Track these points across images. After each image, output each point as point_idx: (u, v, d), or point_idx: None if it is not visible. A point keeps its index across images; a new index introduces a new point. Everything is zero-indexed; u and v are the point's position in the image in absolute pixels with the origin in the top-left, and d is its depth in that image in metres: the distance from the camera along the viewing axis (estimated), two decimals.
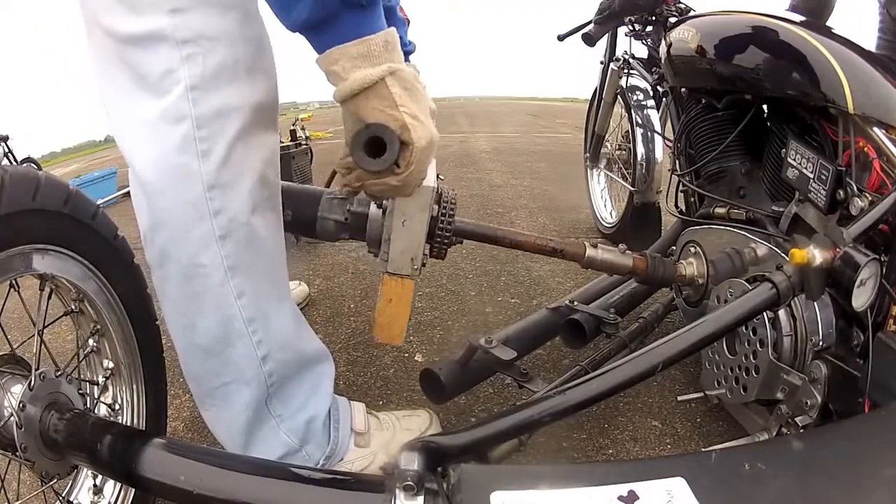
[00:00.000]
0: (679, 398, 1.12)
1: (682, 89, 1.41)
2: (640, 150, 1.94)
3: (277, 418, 0.86)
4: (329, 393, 0.93)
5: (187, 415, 1.23)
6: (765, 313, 0.86)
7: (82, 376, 0.81)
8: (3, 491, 0.70)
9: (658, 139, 1.90)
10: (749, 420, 1.01)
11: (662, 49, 1.42)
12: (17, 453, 0.65)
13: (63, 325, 0.91)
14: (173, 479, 0.57)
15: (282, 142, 2.41)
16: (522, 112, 14.04)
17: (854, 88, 0.90)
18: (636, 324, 1.23)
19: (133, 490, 0.82)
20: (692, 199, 1.41)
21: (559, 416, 0.58)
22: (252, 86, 0.73)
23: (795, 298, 0.78)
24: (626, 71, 2.02)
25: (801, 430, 0.83)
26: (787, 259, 0.69)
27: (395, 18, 1.24)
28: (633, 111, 1.99)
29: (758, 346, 0.89)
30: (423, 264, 1.01)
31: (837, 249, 0.66)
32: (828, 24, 1.40)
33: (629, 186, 2.01)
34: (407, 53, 1.32)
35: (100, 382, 0.83)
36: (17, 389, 0.66)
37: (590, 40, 1.84)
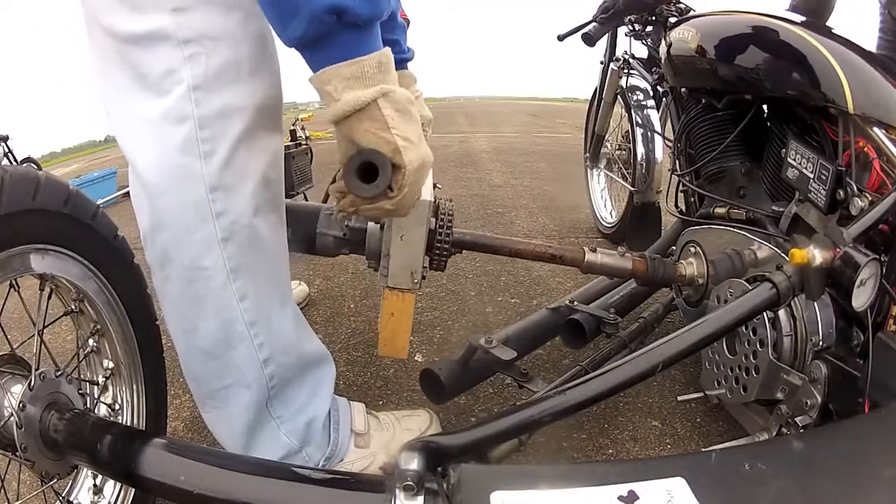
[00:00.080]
0: (679, 398, 1.12)
1: (682, 89, 1.41)
2: (640, 150, 1.94)
3: (277, 420, 0.86)
4: (329, 394, 0.93)
5: (187, 415, 1.23)
6: (765, 313, 0.86)
7: (82, 376, 0.81)
8: (3, 491, 0.70)
9: (658, 139, 1.90)
10: (749, 420, 1.01)
11: (662, 49, 1.42)
12: (17, 453, 0.65)
13: (63, 325, 0.91)
14: (173, 479, 0.57)
15: None
16: (522, 112, 14.05)
17: (854, 88, 0.90)
18: (636, 324, 1.23)
19: (133, 490, 0.82)
20: (692, 199, 1.41)
21: (559, 416, 0.58)
22: (255, 86, 0.73)
23: (795, 298, 0.78)
24: (626, 71, 2.02)
25: (801, 430, 0.83)
26: (787, 259, 0.69)
27: (394, 23, 1.22)
28: (633, 111, 1.99)
29: (758, 346, 0.89)
30: (424, 277, 1.02)
31: (837, 249, 0.66)
32: (828, 24, 1.40)
33: (629, 186, 2.01)
34: (405, 60, 1.29)
35: (100, 382, 0.83)
36: (17, 389, 0.66)
37: (590, 40, 1.84)
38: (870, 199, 0.86)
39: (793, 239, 1.03)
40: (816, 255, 0.67)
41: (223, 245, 0.74)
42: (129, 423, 0.85)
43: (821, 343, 0.86)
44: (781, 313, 0.88)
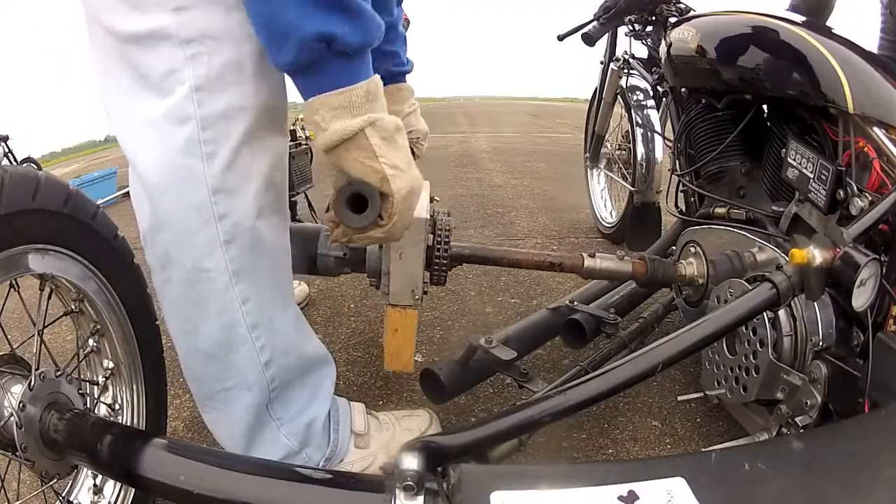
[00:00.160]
0: (679, 398, 1.12)
1: (682, 89, 1.41)
2: (640, 150, 1.94)
3: (278, 421, 0.86)
4: (329, 395, 0.93)
5: (187, 415, 1.23)
6: (765, 313, 0.86)
7: (82, 376, 0.81)
8: (3, 491, 0.70)
9: (658, 139, 1.90)
10: (749, 420, 1.01)
11: (662, 49, 1.42)
12: (17, 453, 0.65)
13: (63, 325, 0.91)
14: (173, 479, 0.57)
15: None
16: (522, 112, 14.05)
17: (854, 88, 0.90)
18: (636, 324, 1.23)
19: (133, 490, 0.82)
20: (692, 199, 1.41)
21: (559, 416, 0.58)
22: (258, 87, 0.72)
23: (795, 298, 0.78)
24: (626, 71, 2.02)
25: (801, 430, 0.83)
26: (787, 259, 0.69)
27: (394, 34, 1.20)
28: (633, 111, 1.99)
29: (758, 346, 0.89)
30: (425, 292, 1.05)
31: (837, 249, 0.66)
32: (828, 24, 1.40)
33: (629, 186, 2.01)
34: (404, 73, 1.27)
35: (100, 382, 0.83)
36: (17, 389, 0.66)
37: (589, 40, 1.84)
38: (870, 199, 0.86)
39: (793, 239, 1.03)
40: (816, 255, 0.67)
41: (225, 247, 0.74)
42: (129, 423, 0.85)
43: (821, 343, 0.86)
44: (781, 313, 0.88)
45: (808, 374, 0.83)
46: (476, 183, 3.71)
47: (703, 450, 1.01)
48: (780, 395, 0.87)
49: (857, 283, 0.65)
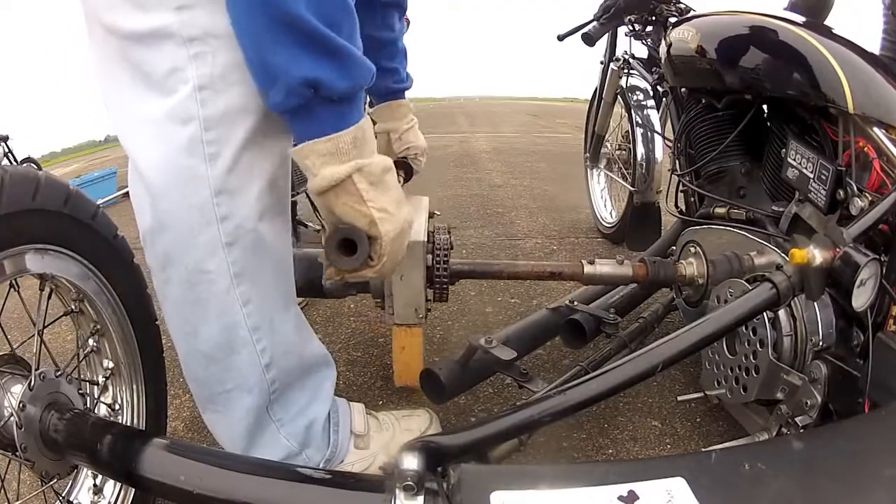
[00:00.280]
0: (679, 398, 1.12)
1: (682, 89, 1.42)
2: (640, 150, 1.94)
3: (278, 422, 0.86)
4: (329, 396, 0.93)
5: (187, 415, 1.23)
6: (765, 313, 0.86)
7: (82, 376, 0.81)
8: (3, 491, 0.70)
9: (658, 139, 1.90)
10: (749, 420, 1.01)
11: (662, 49, 1.42)
12: (17, 453, 0.65)
13: (63, 325, 0.91)
14: (173, 479, 0.57)
15: None
16: (522, 112, 14.04)
17: (854, 88, 0.90)
18: (636, 324, 1.23)
19: (133, 490, 0.82)
20: (692, 199, 1.41)
21: (559, 416, 0.58)
22: None
23: (795, 298, 0.78)
24: (626, 71, 2.02)
25: (801, 430, 0.83)
26: (787, 259, 0.69)
27: (394, 49, 1.20)
28: (633, 111, 1.99)
29: (758, 346, 0.89)
30: (429, 310, 1.08)
31: (837, 249, 0.66)
32: (827, 23, 1.40)
33: (629, 186, 2.01)
34: (403, 90, 1.27)
35: (100, 382, 0.83)
36: (17, 389, 0.66)
37: (589, 40, 1.84)
38: (870, 199, 0.86)
39: (793, 239, 1.03)
40: (816, 255, 0.67)
41: (227, 249, 0.74)
42: (129, 423, 0.85)
43: (821, 343, 0.86)
44: (781, 313, 0.88)
45: (808, 374, 0.83)
46: (476, 183, 3.71)
47: (703, 450, 1.01)
48: (780, 395, 0.87)
49: (857, 283, 0.65)
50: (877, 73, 0.93)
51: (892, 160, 0.86)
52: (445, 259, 1.09)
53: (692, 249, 1.17)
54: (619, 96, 2.11)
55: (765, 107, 1.19)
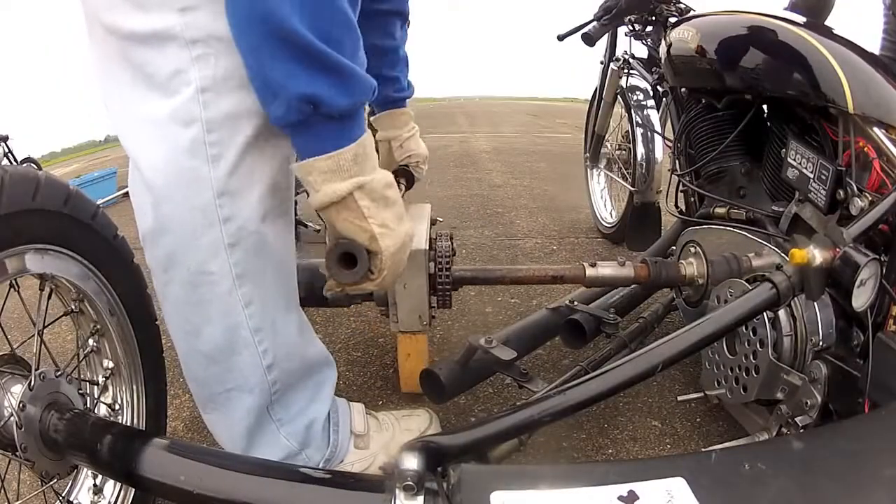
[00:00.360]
0: (679, 398, 1.12)
1: (682, 89, 1.42)
2: (640, 150, 1.94)
3: (278, 422, 0.86)
4: (330, 397, 0.93)
5: (187, 415, 1.23)
6: (765, 313, 0.86)
7: (82, 376, 0.81)
8: (3, 491, 0.70)
9: (658, 139, 1.90)
10: (749, 420, 1.01)
11: (662, 49, 1.42)
12: (17, 453, 0.65)
13: (63, 325, 0.91)
14: (173, 479, 0.57)
15: None
16: (522, 112, 14.04)
17: (854, 88, 0.90)
18: (636, 324, 1.23)
19: (133, 490, 0.82)
20: (692, 199, 1.41)
21: (559, 416, 0.58)
22: None
23: (795, 298, 0.78)
24: (626, 71, 2.02)
25: (801, 430, 0.83)
26: (787, 259, 0.69)
27: (395, 57, 1.19)
28: (633, 111, 1.99)
29: (758, 346, 0.89)
30: (433, 317, 1.08)
31: (837, 249, 0.66)
32: (828, 24, 1.40)
33: (629, 186, 2.01)
34: (404, 99, 1.27)
35: (100, 382, 0.83)
36: (17, 389, 0.66)
37: (589, 40, 1.84)
38: (870, 199, 0.86)
39: (793, 239, 1.03)
40: (816, 255, 0.67)
41: (230, 251, 0.73)
42: (129, 423, 0.85)
43: (821, 343, 0.86)
44: (781, 313, 0.88)
45: (808, 374, 0.83)
46: (476, 183, 3.71)
47: (703, 450, 1.01)
48: (780, 395, 0.87)
49: (857, 283, 0.65)
50: (877, 73, 0.93)
51: (892, 160, 0.86)
52: (448, 266, 1.10)
53: (692, 249, 1.17)
54: (619, 96, 2.11)
55: (765, 107, 1.19)
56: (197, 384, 0.83)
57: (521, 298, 1.79)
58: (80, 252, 0.75)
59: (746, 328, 0.91)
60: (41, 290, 0.74)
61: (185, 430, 1.19)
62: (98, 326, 0.81)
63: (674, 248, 1.25)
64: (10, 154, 6.21)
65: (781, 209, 1.08)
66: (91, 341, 0.81)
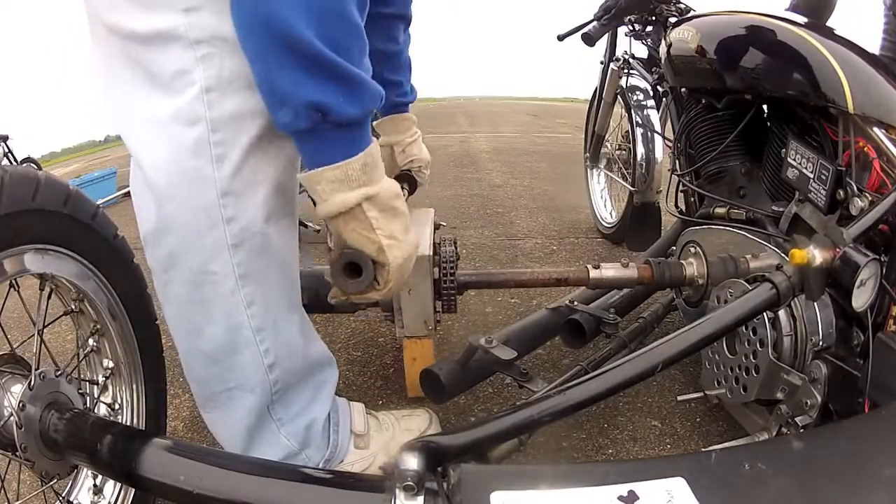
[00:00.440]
0: (679, 398, 1.12)
1: (682, 89, 1.41)
2: (640, 150, 1.94)
3: (278, 422, 0.86)
4: (330, 397, 0.93)
5: (187, 415, 1.23)
6: (765, 313, 0.86)
7: (82, 376, 0.81)
8: (3, 491, 0.70)
9: (658, 139, 1.90)
10: (749, 420, 1.01)
11: (662, 49, 1.42)
12: (17, 453, 0.65)
13: (63, 325, 0.91)
14: (173, 479, 0.57)
15: None
16: (522, 112, 14.04)
17: (854, 88, 0.90)
18: (636, 324, 1.23)
19: (133, 490, 0.82)
20: (692, 199, 1.41)
21: (559, 416, 0.58)
22: None
23: (795, 298, 0.78)
24: (626, 71, 2.02)
25: (801, 430, 0.83)
26: (787, 259, 0.69)
27: (398, 61, 1.19)
28: (633, 111, 1.99)
29: (758, 346, 0.89)
30: (438, 322, 1.10)
31: (837, 249, 0.66)
32: (828, 24, 1.40)
33: (629, 186, 2.01)
34: (406, 104, 1.27)
35: (100, 382, 0.83)
36: (17, 389, 0.66)
37: (590, 40, 1.84)
38: (870, 199, 0.86)
39: (793, 239, 1.03)
40: (816, 255, 0.67)
41: (233, 251, 0.73)
42: (129, 423, 0.85)
43: (821, 343, 0.86)
44: (781, 313, 0.88)
45: (808, 374, 0.83)
46: (476, 183, 3.71)
47: (703, 450, 1.01)
48: (780, 395, 0.87)
49: (857, 283, 0.65)
50: (877, 73, 0.93)
51: (892, 160, 0.86)
52: (452, 271, 1.11)
53: (692, 249, 1.17)
54: (619, 96, 2.11)
55: (765, 107, 1.19)
56: (198, 383, 0.83)
57: (521, 298, 1.79)
58: (80, 252, 0.75)
59: (746, 328, 0.91)
60: (41, 290, 0.74)
61: (185, 429, 1.19)
62: (98, 326, 0.81)
63: (674, 248, 1.25)
64: (10, 154, 6.22)
65: (781, 209, 1.08)
66: (91, 341, 0.81)
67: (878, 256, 0.67)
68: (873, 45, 2.05)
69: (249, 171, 0.71)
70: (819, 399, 0.81)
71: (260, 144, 0.71)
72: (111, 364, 0.84)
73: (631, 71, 1.99)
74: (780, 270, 0.68)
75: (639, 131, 1.95)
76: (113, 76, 0.71)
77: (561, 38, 2.01)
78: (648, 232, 1.89)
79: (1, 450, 0.65)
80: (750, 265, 1.02)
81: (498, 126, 9.32)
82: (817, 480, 0.50)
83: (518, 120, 11.02)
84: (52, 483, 0.70)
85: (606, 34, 2.00)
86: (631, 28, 1.84)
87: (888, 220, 0.78)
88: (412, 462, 0.48)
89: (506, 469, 0.62)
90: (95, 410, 0.82)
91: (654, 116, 1.93)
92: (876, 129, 0.89)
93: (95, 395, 0.83)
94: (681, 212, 1.45)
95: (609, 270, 1.12)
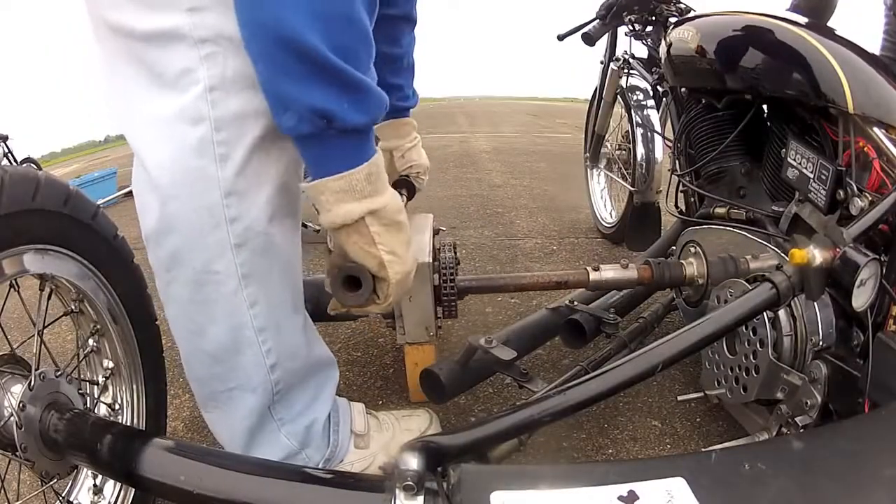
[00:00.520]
0: (679, 398, 1.12)
1: (682, 89, 1.42)
2: (640, 150, 1.94)
3: (279, 422, 0.85)
4: (331, 397, 0.93)
5: (187, 415, 1.23)
6: (765, 313, 0.86)
7: (82, 376, 0.81)
8: (3, 491, 0.70)
9: (658, 139, 1.90)
10: (749, 420, 1.01)
11: (662, 49, 1.42)
12: (17, 453, 0.65)
13: (63, 325, 0.91)
14: (173, 479, 0.57)
15: None
16: (522, 112, 14.04)
17: (854, 88, 0.90)
18: (636, 324, 1.23)
19: (133, 490, 0.82)
20: (692, 199, 1.41)
21: (559, 416, 0.59)
22: None
23: (795, 298, 0.78)
24: (626, 71, 2.01)
25: (801, 430, 0.83)
26: (787, 259, 0.69)
27: (400, 65, 1.17)
28: (633, 111, 1.99)
29: (758, 346, 0.89)
30: (439, 327, 1.11)
31: (837, 249, 0.66)
32: (829, 24, 1.40)
33: (629, 186, 2.01)
34: (408, 108, 1.25)
35: (100, 382, 0.83)
36: (17, 389, 0.66)
37: (590, 40, 1.84)
38: (870, 199, 0.86)
39: (793, 239, 1.03)
40: (816, 255, 0.67)
41: (236, 251, 0.73)
42: (129, 423, 0.85)
43: (821, 343, 0.86)
44: (781, 313, 0.88)
45: (808, 374, 0.83)
46: (476, 183, 3.71)
47: (703, 450, 1.01)
48: (780, 395, 0.87)
49: (857, 283, 0.65)
50: (877, 73, 0.93)
51: (892, 160, 0.86)
52: (452, 277, 1.11)
53: (692, 249, 1.17)
54: (619, 96, 2.11)
55: (765, 107, 1.19)
56: (199, 383, 0.83)
57: (521, 298, 1.79)
58: (80, 252, 0.75)
59: (746, 328, 0.91)
60: (41, 290, 0.74)
61: (185, 430, 1.19)
62: (98, 326, 0.81)
63: (674, 248, 1.25)
64: (10, 154, 6.22)
65: (781, 209, 1.08)
66: (91, 341, 0.81)
67: (878, 256, 0.67)
68: (873, 45, 2.05)
69: (253, 171, 0.71)
70: (819, 399, 0.81)
71: (263, 144, 0.71)
72: (111, 364, 0.84)
73: (631, 71, 1.99)
74: (780, 270, 0.68)
75: (639, 131, 1.95)
76: (116, 75, 0.71)
77: (561, 37, 2.01)
78: (648, 232, 1.89)
79: (1, 450, 0.65)
80: (750, 265, 1.02)
81: (498, 126, 9.32)
82: (817, 480, 0.50)
83: (518, 120, 11.02)
84: (52, 483, 0.70)
85: (606, 34, 2.00)
86: (631, 28, 1.84)
87: (888, 220, 0.78)
88: (412, 462, 0.48)
89: (506, 469, 0.62)
90: (95, 411, 0.82)
91: (654, 116, 1.93)
92: (876, 129, 0.89)
93: (95, 396, 0.83)
94: (681, 212, 1.45)
95: (609, 272, 1.12)
